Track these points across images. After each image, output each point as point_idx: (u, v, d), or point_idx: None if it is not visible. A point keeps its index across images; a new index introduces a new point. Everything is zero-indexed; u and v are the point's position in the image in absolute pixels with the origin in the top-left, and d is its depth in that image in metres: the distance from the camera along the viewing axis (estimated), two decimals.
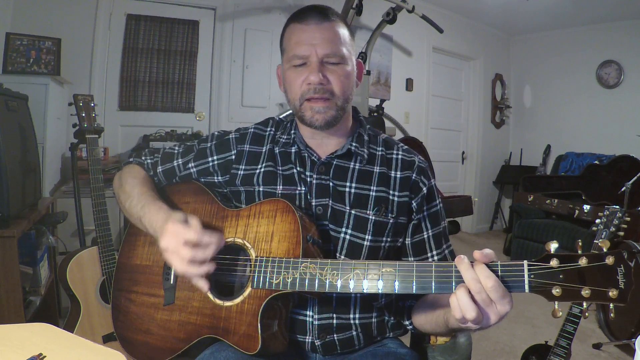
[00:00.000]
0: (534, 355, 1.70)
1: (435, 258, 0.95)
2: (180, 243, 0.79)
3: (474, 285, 0.64)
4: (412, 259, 0.95)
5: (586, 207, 3.36)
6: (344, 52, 0.90)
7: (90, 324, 1.62)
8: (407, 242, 0.96)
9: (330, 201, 0.92)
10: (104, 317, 1.64)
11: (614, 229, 1.48)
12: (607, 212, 1.52)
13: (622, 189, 2.91)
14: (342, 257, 0.91)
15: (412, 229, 0.95)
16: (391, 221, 0.92)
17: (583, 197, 3.88)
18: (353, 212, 0.91)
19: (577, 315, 1.46)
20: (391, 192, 0.94)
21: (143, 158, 1.07)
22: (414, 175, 0.95)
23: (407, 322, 0.97)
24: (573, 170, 4.42)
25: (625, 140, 4.10)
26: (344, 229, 0.91)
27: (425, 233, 0.95)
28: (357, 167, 0.95)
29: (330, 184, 0.93)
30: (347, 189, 0.93)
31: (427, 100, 4.65)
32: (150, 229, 0.89)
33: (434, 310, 0.86)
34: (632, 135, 3.62)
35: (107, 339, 1.63)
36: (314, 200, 0.92)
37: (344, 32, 0.92)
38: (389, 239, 0.93)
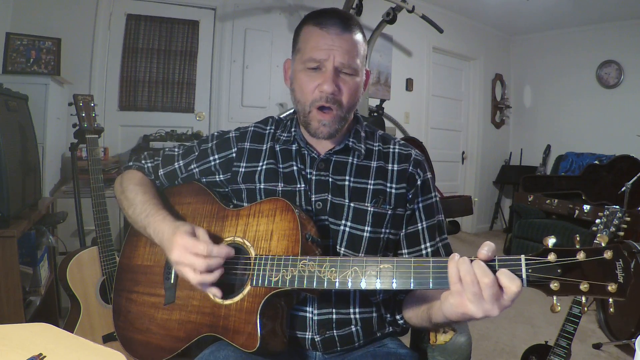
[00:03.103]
0: (534, 355, 1.70)
1: (429, 250, 0.96)
2: (192, 256, 0.80)
3: (468, 277, 0.65)
4: (406, 250, 0.96)
5: (586, 207, 3.36)
6: (358, 64, 0.91)
7: (90, 324, 1.62)
8: (401, 234, 0.97)
9: (330, 195, 0.93)
10: (104, 317, 1.64)
11: (614, 229, 1.48)
12: (607, 212, 1.52)
13: (622, 189, 2.91)
14: (343, 249, 0.91)
15: (406, 219, 0.96)
16: (389, 212, 0.93)
17: (583, 197, 3.88)
18: (352, 204, 0.92)
19: (577, 315, 1.46)
20: (389, 184, 0.95)
21: (143, 162, 1.07)
22: (411, 167, 0.97)
23: (398, 317, 0.98)
24: (573, 170, 4.42)
25: (625, 140, 4.10)
26: (343, 222, 0.92)
27: (419, 224, 0.96)
28: (355, 162, 0.97)
29: (330, 179, 0.95)
30: (346, 183, 0.94)
31: (427, 100, 4.65)
32: (155, 238, 0.90)
33: (419, 305, 0.88)
34: (632, 135, 3.62)
35: (107, 339, 1.63)
36: (313, 196, 0.94)
37: (361, 43, 0.92)
38: (387, 231, 0.94)
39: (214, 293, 0.83)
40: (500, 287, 0.64)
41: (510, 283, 0.63)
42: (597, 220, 1.54)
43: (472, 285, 0.64)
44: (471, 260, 0.66)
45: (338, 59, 0.88)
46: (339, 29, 0.88)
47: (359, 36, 0.92)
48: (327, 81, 0.88)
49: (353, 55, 0.90)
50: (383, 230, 0.93)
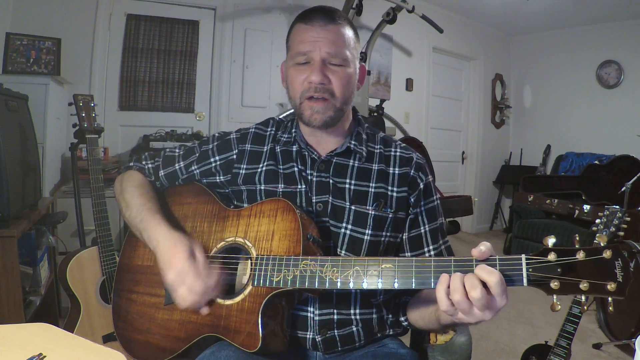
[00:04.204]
0: (534, 355, 1.70)
1: (432, 253, 0.96)
2: (187, 289, 0.81)
3: (457, 296, 0.65)
4: (409, 254, 0.96)
5: (586, 207, 3.36)
6: (346, 54, 0.91)
7: (90, 324, 1.62)
8: (404, 237, 0.97)
9: (331, 198, 0.93)
10: (104, 317, 1.64)
11: (614, 229, 1.48)
12: (607, 212, 1.52)
13: (622, 189, 2.91)
14: (343, 252, 0.91)
15: (409, 223, 0.96)
16: (390, 216, 0.93)
17: (583, 197, 3.88)
18: (353, 207, 0.92)
19: (577, 315, 1.46)
20: (390, 187, 0.95)
21: (144, 163, 1.07)
22: (412, 171, 0.97)
23: (402, 318, 0.98)
24: (573, 170, 4.42)
25: (625, 140, 4.10)
26: (344, 224, 0.92)
27: (422, 228, 0.97)
28: (356, 164, 0.97)
29: (330, 181, 0.95)
30: (347, 186, 0.94)
31: (427, 100, 4.65)
32: (149, 244, 0.90)
33: (427, 307, 0.87)
34: (632, 135, 3.62)
35: (107, 339, 1.63)
36: (314, 198, 0.94)
37: (349, 35, 0.92)
38: (388, 234, 0.94)
39: (204, 313, 0.85)
40: (485, 285, 0.64)
41: (489, 276, 0.63)
42: (597, 220, 1.54)
43: (462, 302, 0.65)
44: (466, 271, 0.66)
45: (324, 49, 0.89)
46: (323, 22, 0.90)
47: (346, 28, 0.92)
48: (315, 71, 0.88)
49: (340, 46, 0.90)
50: (384, 233, 0.93)
